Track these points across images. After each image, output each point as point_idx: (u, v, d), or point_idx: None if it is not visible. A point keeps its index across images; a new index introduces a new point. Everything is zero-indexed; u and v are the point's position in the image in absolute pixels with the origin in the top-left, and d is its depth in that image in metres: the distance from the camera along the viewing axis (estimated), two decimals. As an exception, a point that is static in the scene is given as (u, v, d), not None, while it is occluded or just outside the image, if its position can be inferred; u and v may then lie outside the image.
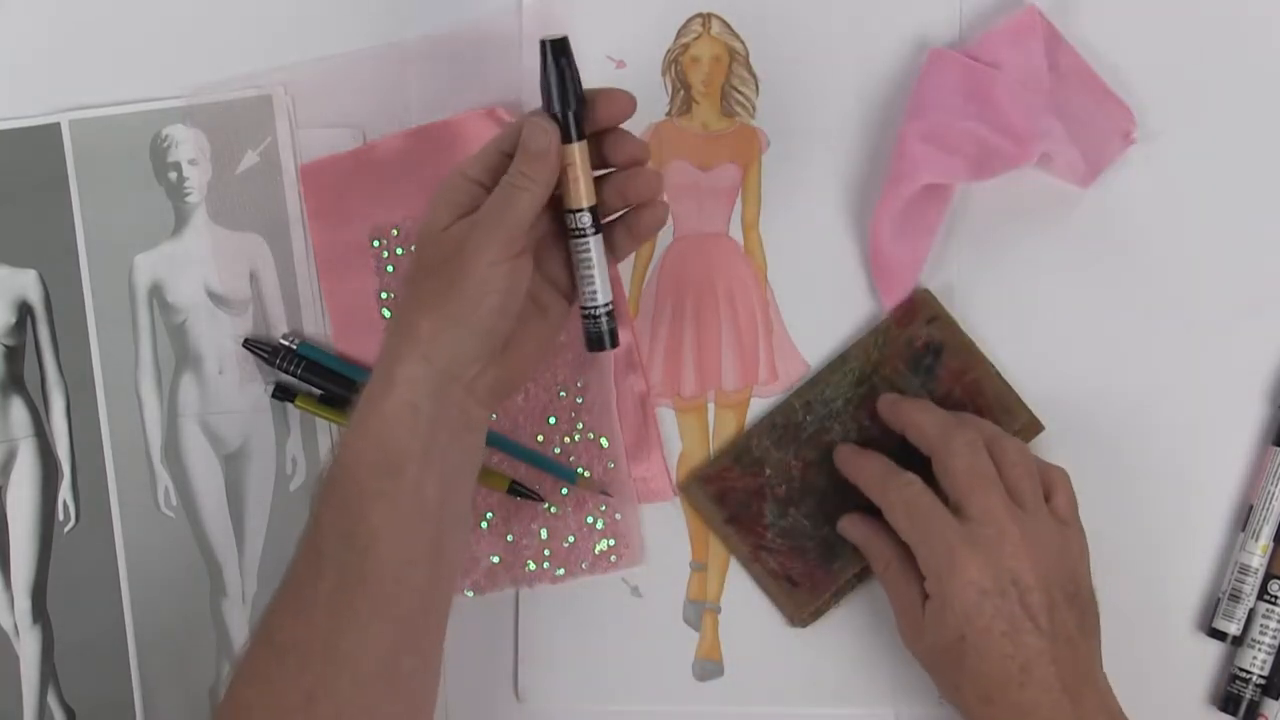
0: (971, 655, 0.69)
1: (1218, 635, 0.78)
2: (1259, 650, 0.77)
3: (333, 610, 0.67)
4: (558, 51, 0.70)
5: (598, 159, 0.71)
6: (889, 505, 0.74)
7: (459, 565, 0.78)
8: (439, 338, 0.68)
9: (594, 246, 0.72)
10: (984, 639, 0.69)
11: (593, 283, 0.72)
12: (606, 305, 0.73)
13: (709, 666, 0.81)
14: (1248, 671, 0.78)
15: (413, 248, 0.81)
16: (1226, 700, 0.78)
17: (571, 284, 0.73)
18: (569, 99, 0.69)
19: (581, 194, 0.71)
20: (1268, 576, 0.78)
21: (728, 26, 0.81)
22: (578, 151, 0.70)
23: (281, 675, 0.67)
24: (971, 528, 0.70)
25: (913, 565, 0.72)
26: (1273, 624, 0.77)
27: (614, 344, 0.74)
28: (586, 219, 0.71)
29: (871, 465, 0.76)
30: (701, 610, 0.82)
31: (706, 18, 0.82)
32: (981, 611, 0.69)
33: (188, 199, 0.84)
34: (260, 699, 0.67)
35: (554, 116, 0.70)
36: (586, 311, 0.73)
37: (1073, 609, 0.71)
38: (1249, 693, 0.78)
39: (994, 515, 0.70)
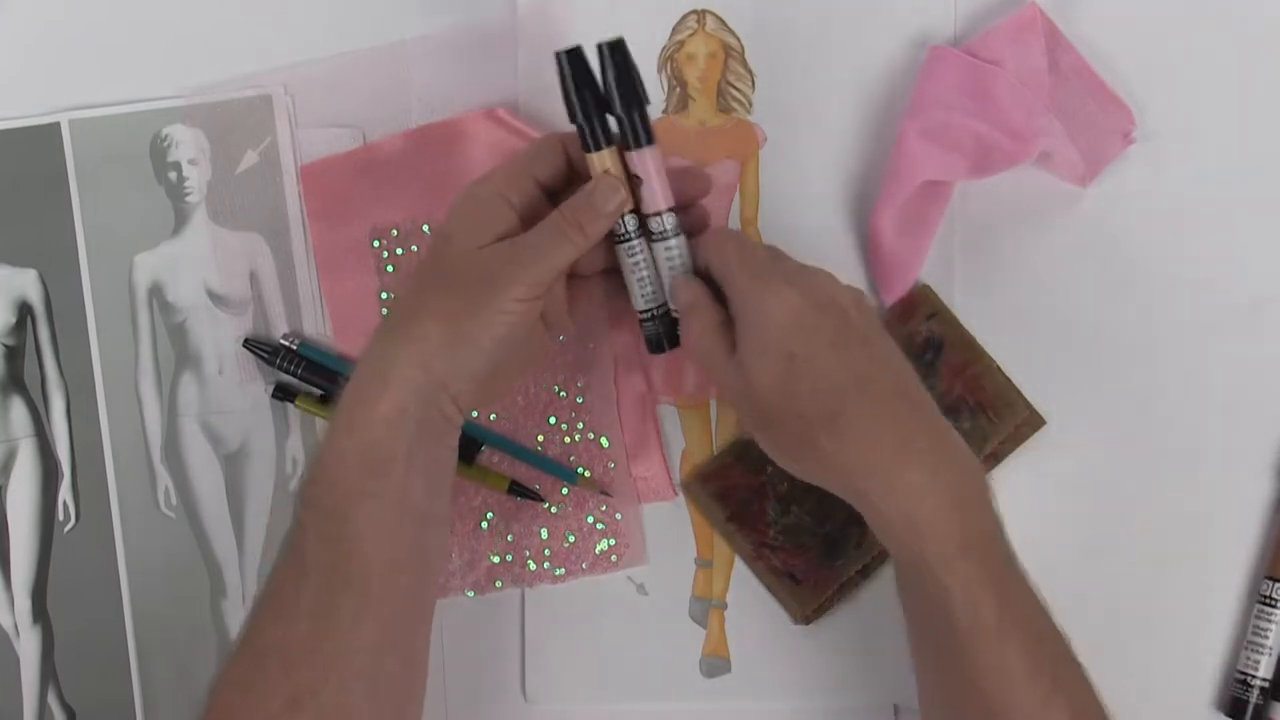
0: (804, 372, 0.67)
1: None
2: (1260, 653, 0.77)
3: (316, 614, 0.66)
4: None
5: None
6: (711, 247, 0.71)
7: (442, 565, 0.77)
8: (447, 352, 0.67)
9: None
10: (812, 350, 0.67)
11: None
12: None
13: (716, 663, 0.81)
14: (1250, 675, 0.77)
15: (414, 248, 0.82)
16: (1233, 705, 0.78)
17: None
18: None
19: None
20: (1267, 579, 0.78)
21: (722, 23, 0.82)
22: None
23: (264, 680, 0.66)
24: (788, 273, 0.69)
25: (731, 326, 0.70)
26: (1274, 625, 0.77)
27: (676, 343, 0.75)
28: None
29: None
30: (708, 607, 0.81)
31: (701, 14, 0.82)
32: (802, 324, 0.67)
33: (188, 199, 0.84)
34: (243, 705, 0.67)
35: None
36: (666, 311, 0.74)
37: (892, 350, 0.70)
38: (1254, 697, 0.77)
39: (804, 270, 0.70)
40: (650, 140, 0.70)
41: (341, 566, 0.66)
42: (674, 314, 0.73)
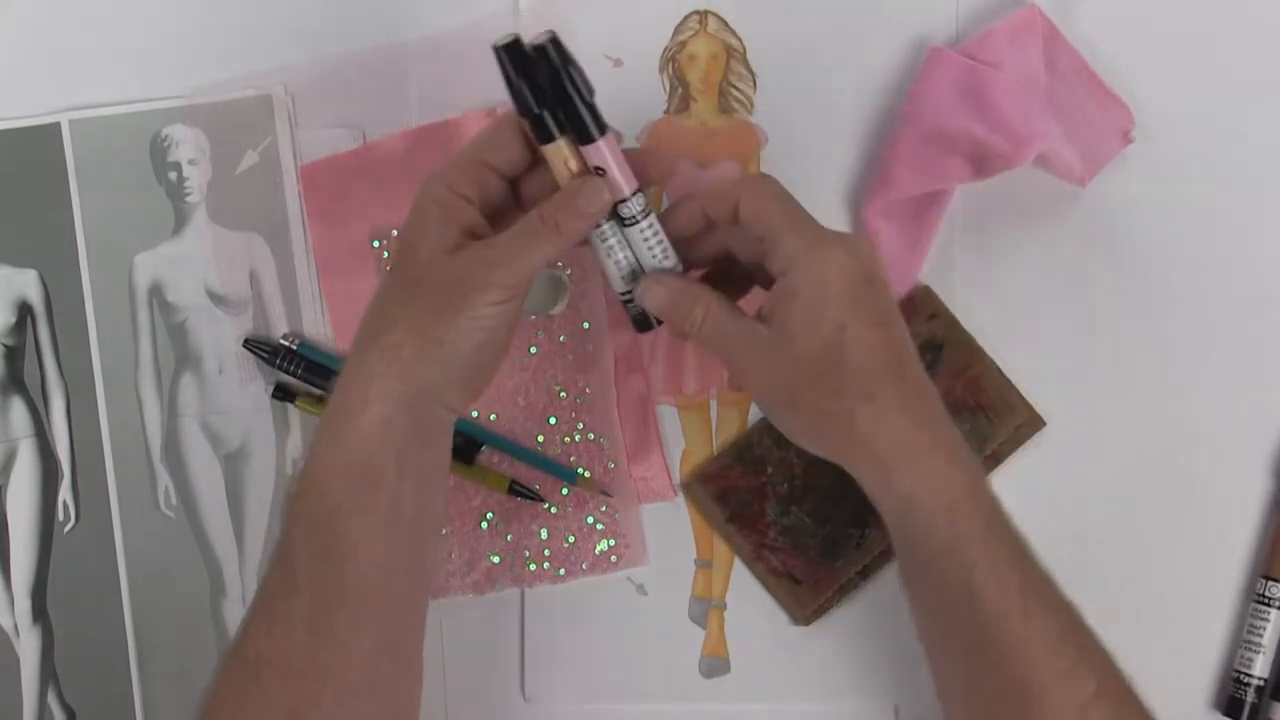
0: (852, 348, 0.65)
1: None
2: (1256, 652, 0.77)
3: (311, 627, 0.65)
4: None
5: None
6: (750, 194, 0.68)
7: (435, 569, 0.76)
8: (421, 361, 0.66)
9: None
10: (861, 326, 0.65)
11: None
12: None
13: (715, 664, 0.81)
14: (1247, 674, 0.77)
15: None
16: (1230, 704, 0.78)
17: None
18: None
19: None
20: (1263, 578, 0.78)
21: (725, 23, 0.82)
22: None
23: (260, 693, 0.66)
24: (837, 237, 0.67)
25: (733, 301, 0.69)
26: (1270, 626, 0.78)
27: None
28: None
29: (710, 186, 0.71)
30: (707, 608, 0.81)
31: (703, 15, 0.82)
32: (856, 296, 0.65)
33: (188, 199, 0.84)
34: (241, 715, 0.66)
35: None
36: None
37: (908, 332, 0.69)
38: (1250, 695, 0.77)
39: (847, 235, 0.68)
40: (604, 131, 0.66)
41: (335, 582, 0.66)
42: None
